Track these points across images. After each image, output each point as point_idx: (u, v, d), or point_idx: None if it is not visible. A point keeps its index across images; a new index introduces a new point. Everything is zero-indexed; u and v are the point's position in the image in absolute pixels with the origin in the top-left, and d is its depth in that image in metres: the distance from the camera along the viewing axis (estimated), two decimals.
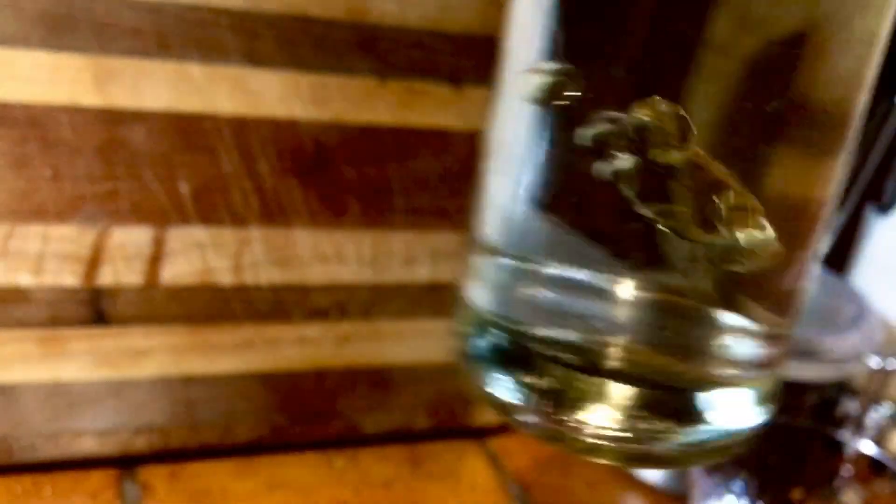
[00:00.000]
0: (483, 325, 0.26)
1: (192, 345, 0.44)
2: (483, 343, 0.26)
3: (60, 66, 0.38)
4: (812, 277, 0.26)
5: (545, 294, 0.25)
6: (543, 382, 0.24)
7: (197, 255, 0.43)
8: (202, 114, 0.41)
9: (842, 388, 0.47)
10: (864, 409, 0.46)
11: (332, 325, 0.47)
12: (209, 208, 0.43)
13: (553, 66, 0.23)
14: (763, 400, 0.26)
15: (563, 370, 0.24)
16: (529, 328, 0.25)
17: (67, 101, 0.39)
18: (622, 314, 0.24)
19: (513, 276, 0.26)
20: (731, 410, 0.25)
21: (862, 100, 0.24)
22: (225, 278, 0.44)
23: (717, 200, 0.22)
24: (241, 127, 0.42)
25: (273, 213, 0.44)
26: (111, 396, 0.43)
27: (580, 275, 0.24)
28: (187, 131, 0.41)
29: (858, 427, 0.45)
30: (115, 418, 0.44)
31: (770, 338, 0.25)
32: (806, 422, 0.43)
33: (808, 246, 0.25)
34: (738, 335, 0.25)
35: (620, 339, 0.24)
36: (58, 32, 0.38)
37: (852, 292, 0.52)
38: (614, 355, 0.24)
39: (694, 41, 0.21)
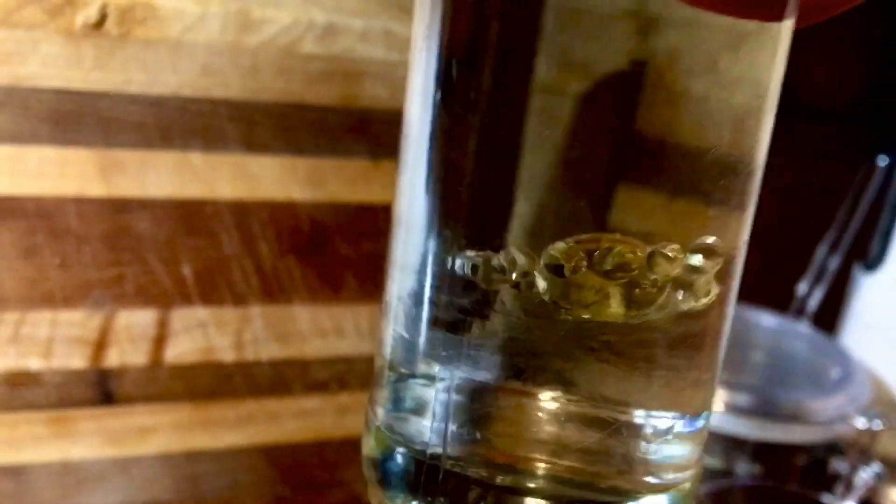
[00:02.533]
0: (390, 445, 0.25)
1: (196, 421, 0.46)
2: (395, 466, 0.24)
3: (68, 160, 0.40)
4: (719, 367, 0.25)
5: (458, 410, 0.23)
6: None
7: (199, 334, 0.44)
8: (204, 199, 0.43)
9: (830, 448, 0.48)
10: (853, 470, 0.47)
11: (332, 396, 0.48)
12: (211, 289, 0.44)
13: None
14: (683, 502, 0.25)
15: (480, 493, 0.23)
16: (440, 447, 0.24)
17: (75, 192, 0.41)
18: (538, 429, 0.23)
19: (423, 393, 0.24)
20: None
21: (751, 147, 0.23)
22: (227, 355, 0.45)
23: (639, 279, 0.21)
24: (241, 210, 0.44)
25: (273, 291, 0.45)
26: (119, 474, 0.45)
27: (493, 387, 0.23)
28: (190, 216, 0.43)
29: (848, 488, 0.46)
30: (122, 495, 0.45)
31: (688, 436, 0.25)
32: (794, 486, 0.45)
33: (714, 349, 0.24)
34: (662, 439, 0.24)
35: (541, 455, 0.23)
36: (65, 128, 0.40)
37: (839, 352, 0.54)
38: (534, 472, 0.23)
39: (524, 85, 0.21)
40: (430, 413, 0.24)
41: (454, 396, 0.23)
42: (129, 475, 0.45)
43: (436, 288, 0.23)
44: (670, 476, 0.24)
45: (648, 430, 0.23)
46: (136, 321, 0.43)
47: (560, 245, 0.21)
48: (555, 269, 0.21)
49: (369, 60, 0.44)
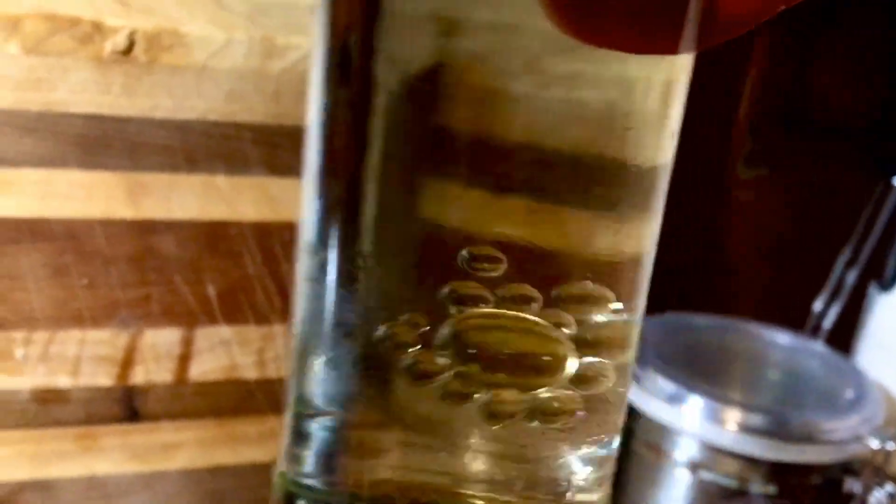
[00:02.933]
0: (293, 491, 0.25)
1: (219, 437, 0.46)
2: None
3: (96, 183, 0.41)
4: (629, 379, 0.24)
5: (363, 452, 0.23)
6: None
7: (223, 352, 0.45)
8: (228, 221, 0.44)
9: (845, 469, 0.48)
10: (867, 490, 0.47)
11: None
12: (234, 308, 0.45)
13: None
14: None
15: None
16: (347, 492, 0.23)
17: (102, 214, 0.42)
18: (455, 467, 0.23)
19: (325, 435, 0.24)
20: None
21: (621, 151, 0.22)
22: (249, 373, 0.46)
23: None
24: (264, 231, 0.45)
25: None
26: (143, 489, 0.46)
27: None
28: (214, 238, 0.44)
29: None
30: None
31: (603, 461, 0.24)
32: None
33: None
34: (574, 470, 0.24)
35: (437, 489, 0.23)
36: (93, 152, 0.41)
37: (854, 372, 0.54)
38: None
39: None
40: (337, 458, 0.23)
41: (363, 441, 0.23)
42: (154, 490, 0.46)
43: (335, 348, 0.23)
44: (586, 497, 0.24)
45: (567, 465, 0.23)
46: (162, 340, 0.44)
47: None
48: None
49: None
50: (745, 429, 0.47)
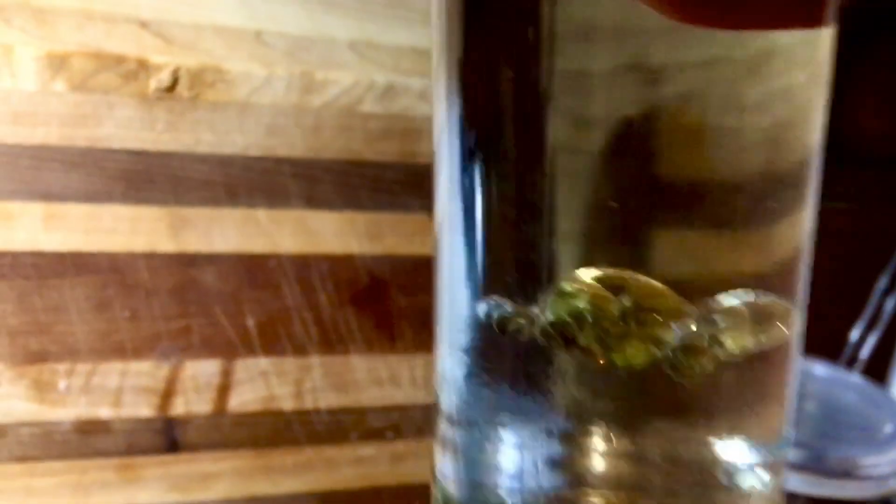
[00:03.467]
0: (449, 500, 0.24)
1: (256, 468, 0.47)
2: None
3: (139, 217, 0.42)
4: (795, 382, 0.24)
5: (508, 460, 0.23)
6: None
7: (261, 383, 0.46)
8: (267, 253, 0.44)
9: (885, 503, 0.48)
10: None
11: (388, 444, 0.49)
12: (273, 340, 0.46)
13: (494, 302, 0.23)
14: None
15: None
16: (496, 500, 0.23)
17: (145, 248, 0.42)
18: (606, 469, 0.23)
19: (472, 445, 0.24)
20: None
21: (795, 160, 0.22)
22: (287, 404, 0.47)
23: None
24: (303, 263, 0.45)
25: (331, 342, 0.47)
26: None
27: (541, 435, 0.23)
28: (253, 270, 0.44)
29: None
30: None
31: (773, 467, 0.24)
32: None
33: (781, 337, 0.23)
34: (732, 469, 0.23)
35: (602, 498, 0.23)
36: (137, 187, 0.42)
37: (892, 404, 0.54)
38: None
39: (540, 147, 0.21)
40: (498, 467, 0.23)
41: (526, 454, 0.23)
42: None
43: (476, 341, 0.23)
44: None
45: (726, 465, 0.23)
46: (202, 371, 0.45)
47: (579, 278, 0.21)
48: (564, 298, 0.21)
49: (427, 118, 0.46)
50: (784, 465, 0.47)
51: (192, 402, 0.45)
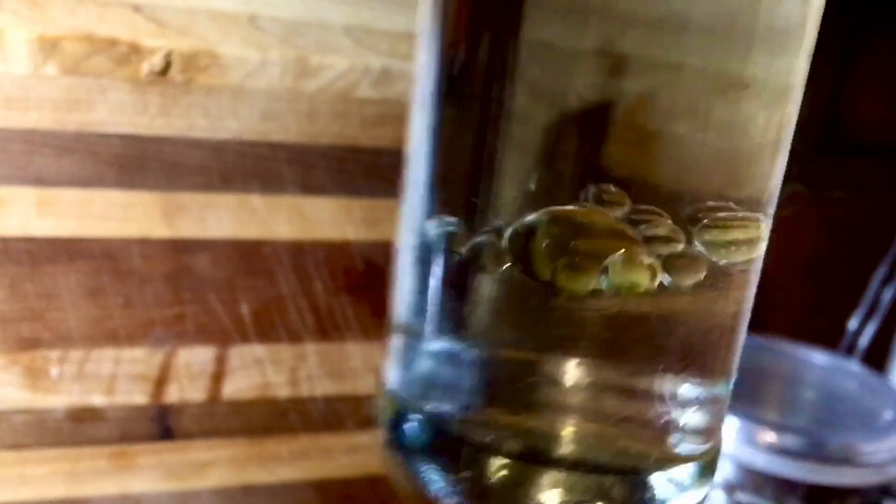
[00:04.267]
0: (403, 410, 0.24)
1: (251, 456, 0.46)
2: (408, 431, 0.24)
3: (132, 203, 0.42)
4: (743, 333, 0.25)
5: (472, 376, 0.23)
6: (478, 475, 0.23)
7: (256, 371, 0.46)
8: (262, 240, 0.44)
9: (883, 491, 0.48)
10: None
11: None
12: (268, 327, 0.45)
13: (443, 221, 0.23)
14: (705, 473, 0.24)
15: (500, 460, 0.23)
16: (456, 413, 0.23)
17: (138, 234, 0.42)
18: (566, 396, 0.23)
19: (434, 358, 0.24)
20: (678, 489, 0.23)
21: (747, 192, 0.22)
22: (282, 392, 0.46)
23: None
24: (298, 250, 0.45)
25: (327, 329, 0.46)
26: None
27: (511, 355, 0.23)
28: (248, 257, 0.44)
29: None
30: None
31: (710, 403, 0.24)
32: None
33: (734, 293, 0.23)
34: (680, 404, 0.23)
35: (567, 423, 0.23)
36: (130, 172, 0.41)
37: (890, 391, 0.53)
38: (562, 441, 0.23)
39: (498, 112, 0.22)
40: (446, 380, 0.24)
41: (472, 366, 0.23)
42: None
43: (425, 255, 0.24)
44: (694, 446, 0.24)
45: (674, 397, 0.23)
46: (196, 358, 0.44)
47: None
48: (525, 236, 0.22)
49: None
50: (782, 450, 0.46)
51: (186, 390, 0.44)
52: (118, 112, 0.41)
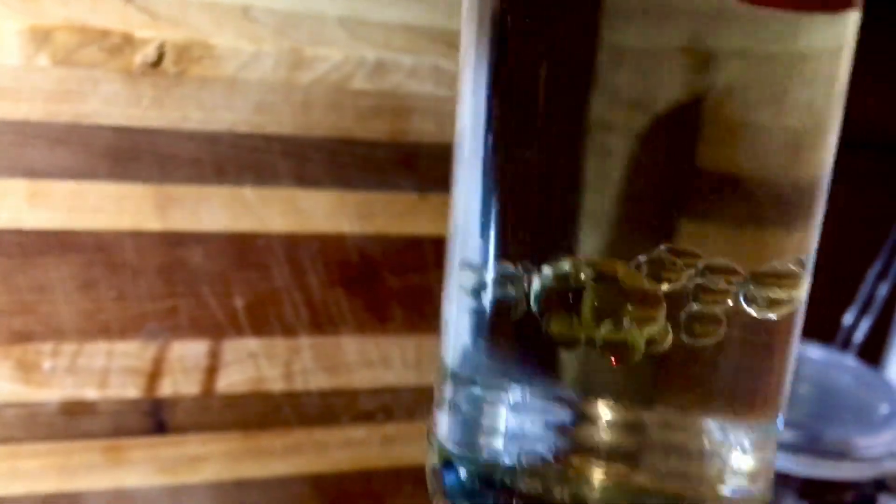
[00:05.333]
0: (448, 458, 0.25)
1: (245, 450, 0.46)
2: (451, 478, 0.24)
3: (125, 196, 0.41)
4: (792, 368, 0.25)
5: (511, 421, 0.23)
6: None
7: (250, 364, 0.45)
8: (256, 233, 0.44)
9: (879, 485, 0.48)
10: None
11: (379, 427, 0.49)
12: (262, 321, 0.45)
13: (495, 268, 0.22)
14: None
15: None
16: (494, 460, 0.23)
17: (131, 226, 0.42)
18: (599, 438, 0.23)
19: (475, 404, 0.24)
20: None
21: (814, 167, 0.22)
22: (276, 386, 0.46)
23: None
24: (292, 243, 0.45)
25: (322, 323, 0.46)
26: (170, 502, 0.46)
27: (545, 400, 0.23)
28: (242, 250, 0.44)
29: None
30: None
31: (764, 445, 0.24)
32: None
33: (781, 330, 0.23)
34: (727, 447, 0.23)
35: (600, 466, 0.23)
36: (123, 164, 0.41)
37: (887, 386, 0.53)
38: (595, 484, 0.22)
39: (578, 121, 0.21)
40: (498, 428, 0.24)
41: (525, 413, 0.23)
42: (180, 503, 0.46)
43: (486, 301, 0.23)
44: (743, 486, 0.24)
45: (720, 439, 0.23)
46: (189, 352, 0.44)
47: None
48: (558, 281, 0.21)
49: (418, 96, 0.45)
50: (777, 444, 0.46)
51: (180, 384, 0.44)
52: (111, 103, 0.40)
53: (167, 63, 0.41)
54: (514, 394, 0.24)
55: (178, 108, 0.41)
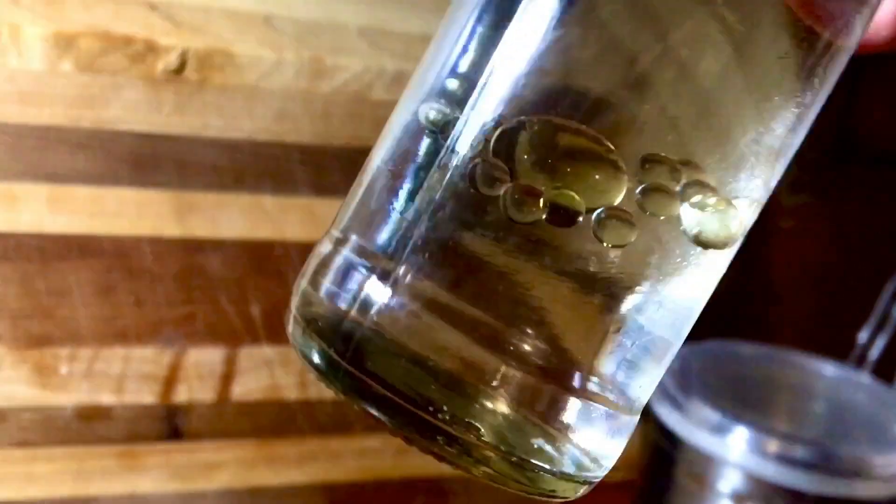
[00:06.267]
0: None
1: (259, 458, 0.46)
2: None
3: (145, 201, 0.42)
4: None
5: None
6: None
7: (265, 372, 0.45)
8: (273, 241, 0.44)
9: None
10: None
11: (392, 437, 0.48)
12: (278, 328, 0.45)
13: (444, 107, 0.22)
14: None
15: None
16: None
17: (150, 232, 0.42)
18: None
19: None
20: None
21: None
22: (291, 394, 0.46)
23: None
24: (309, 252, 0.45)
25: None
26: None
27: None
28: (259, 257, 0.44)
29: None
30: None
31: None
32: None
33: None
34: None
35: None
36: (143, 171, 0.41)
37: None
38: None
39: None
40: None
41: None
42: None
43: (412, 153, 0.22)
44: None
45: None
46: (205, 359, 0.44)
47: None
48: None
49: None
50: (791, 461, 0.46)
51: (195, 390, 0.44)
52: (132, 110, 0.41)
53: (189, 70, 0.41)
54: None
55: (199, 116, 0.42)
